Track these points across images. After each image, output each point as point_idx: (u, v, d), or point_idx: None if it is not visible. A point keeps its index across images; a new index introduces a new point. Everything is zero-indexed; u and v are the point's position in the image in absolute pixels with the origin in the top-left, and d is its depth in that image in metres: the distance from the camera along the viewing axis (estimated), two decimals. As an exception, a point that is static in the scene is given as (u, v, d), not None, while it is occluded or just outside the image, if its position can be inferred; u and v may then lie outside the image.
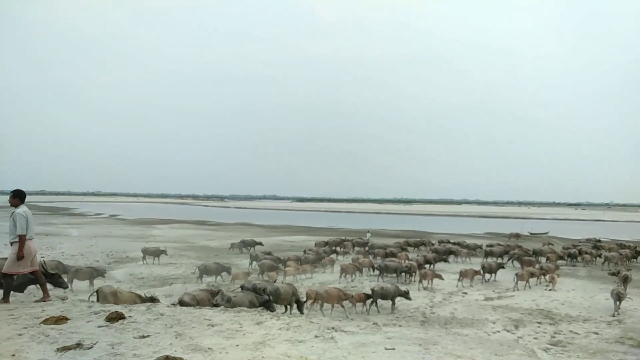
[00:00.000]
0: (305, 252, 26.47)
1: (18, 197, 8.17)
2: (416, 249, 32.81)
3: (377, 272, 21.72)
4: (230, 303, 10.19)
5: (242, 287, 12.74)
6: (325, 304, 14.17)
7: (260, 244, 31.09)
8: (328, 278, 21.18)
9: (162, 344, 5.52)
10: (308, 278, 21.06)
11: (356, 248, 30.90)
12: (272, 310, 10.94)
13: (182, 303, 10.35)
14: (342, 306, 14.48)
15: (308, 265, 22.27)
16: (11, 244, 8.06)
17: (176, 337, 5.87)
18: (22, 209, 7.97)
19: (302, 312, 13.36)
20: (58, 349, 5.07)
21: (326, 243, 32.30)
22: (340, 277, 20.98)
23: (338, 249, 30.88)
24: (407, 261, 22.77)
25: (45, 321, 6.17)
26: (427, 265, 23.33)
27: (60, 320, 6.24)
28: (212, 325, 6.61)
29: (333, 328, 6.98)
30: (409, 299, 15.91)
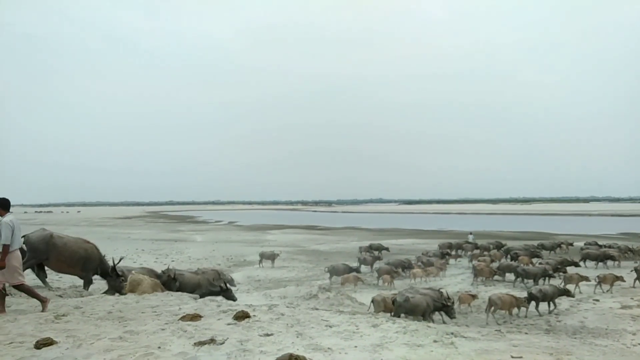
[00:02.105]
0: (422, 254, 25.96)
1: (2, 206, 7.54)
2: (552, 252, 29.97)
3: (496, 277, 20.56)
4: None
5: None
6: (495, 310, 14.11)
7: (387, 249, 30.72)
8: (448, 282, 20.51)
9: (285, 343, 5.79)
10: (433, 280, 20.70)
11: (492, 251, 28.89)
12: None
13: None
14: (510, 313, 14.22)
15: (434, 268, 21.88)
16: None
17: (297, 337, 6.12)
18: (8, 218, 7.37)
19: (451, 317, 13.13)
20: (195, 344, 5.57)
21: (450, 245, 31.32)
22: (475, 280, 20.38)
23: (455, 252, 29.77)
24: (530, 265, 21.20)
25: (183, 318, 6.83)
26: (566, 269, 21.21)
27: (195, 317, 6.86)
28: (330, 326, 6.78)
29: (452, 333, 6.73)
30: (572, 295, 15.31)
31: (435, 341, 6.20)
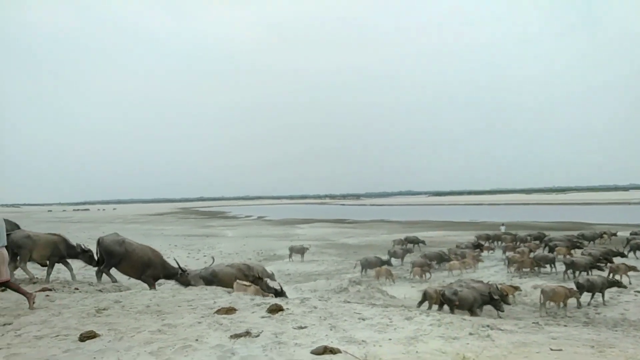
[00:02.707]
0: (457, 246, 25.65)
1: None
2: (592, 242, 28.70)
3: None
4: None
5: None
6: (546, 302, 13.97)
7: (423, 242, 30.46)
8: (481, 274, 20.22)
9: (319, 335, 5.83)
10: (470, 272, 20.49)
11: (534, 242, 28.07)
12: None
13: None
14: (564, 305, 13.98)
15: (470, 260, 21.67)
16: None
17: (331, 329, 6.15)
18: None
19: (500, 311, 12.96)
20: (231, 336, 5.67)
21: (488, 236, 30.79)
22: (509, 270, 20.14)
23: (489, 243, 29.26)
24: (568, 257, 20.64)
25: (218, 311, 6.96)
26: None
27: (230, 310, 6.98)
28: (363, 319, 6.78)
29: (488, 326, 6.63)
30: (624, 286, 15.03)
31: (471, 334, 6.12)
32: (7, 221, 11.75)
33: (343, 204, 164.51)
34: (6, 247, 11.18)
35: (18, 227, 11.77)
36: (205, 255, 27.32)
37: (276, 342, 5.48)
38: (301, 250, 26.70)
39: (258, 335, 5.73)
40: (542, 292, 13.89)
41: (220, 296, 8.73)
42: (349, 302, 10.49)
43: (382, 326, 6.42)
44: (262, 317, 6.79)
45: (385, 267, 20.17)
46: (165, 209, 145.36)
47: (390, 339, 5.75)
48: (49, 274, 11.63)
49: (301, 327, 6.19)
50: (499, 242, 29.76)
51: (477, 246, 26.11)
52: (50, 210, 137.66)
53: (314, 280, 19.69)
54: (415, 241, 30.40)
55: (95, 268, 12.17)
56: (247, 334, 5.77)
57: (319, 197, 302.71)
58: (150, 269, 10.84)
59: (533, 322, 7.90)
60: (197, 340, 5.54)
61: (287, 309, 7.29)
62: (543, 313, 13.58)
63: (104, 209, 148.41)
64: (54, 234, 12.11)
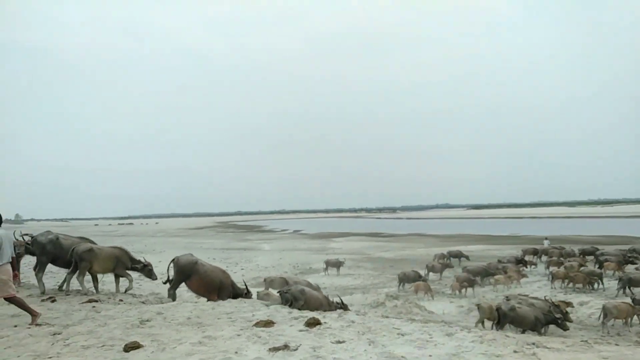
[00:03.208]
0: (498, 261, 24.85)
1: None
2: None
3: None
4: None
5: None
6: (609, 319, 13.23)
7: (467, 257, 29.35)
8: (524, 289, 19.51)
9: (357, 350, 5.78)
10: (514, 288, 19.87)
11: (583, 256, 26.80)
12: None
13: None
14: (627, 322, 13.22)
15: (516, 274, 21.02)
16: None
17: (369, 344, 6.08)
18: None
19: (564, 329, 12.37)
20: (270, 349, 5.70)
21: (536, 251, 29.62)
22: (552, 286, 19.43)
23: (532, 258, 28.19)
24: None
25: (257, 324, 7.03)
26: None
27: (268, 324, 7.03)
28: (402, 334, 6.67)
29: (534, 344, 6.38)
30: None
31: (515, 351, 5.91)
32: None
33: (379, 217, 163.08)
34: (56, 259, 11.81)
35: (93, 242, 12.47)
36: (242, 269, 27.63)
37: (314, 356, 5.47)
38: (337, 264, 26.54)
39: (296, 349, 5.74)
40: (605, 308, 13.11)
41: (258, 309, 8.80)
42: (387, 316, 10.35)
43: (422, 342, 6.29)
44: (300, 330, 6.80)
45: (425, 282, 19.78)
46: (204, 223, 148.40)
47: (430, 356, 5.63)
48: (116, 284, 12.31)
49: (339, 342, 6.15)
50: (542, 257, 28.62)
51: (520, 261, 25.20)
52: (97, 224, 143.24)
53: (350, 294, 19.52)
54: (459, 255, 29.36)
55: (154, 281, 12.68)
56: (286, 347, 5.79)
57: (355, 210, 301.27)
58: (222, 290, 11.18)
59: (582, 341, 7.54)
60: (236, 352, 5.60)
61: (325, 322, 7.27)
62: (605, 332, 12.88)
63: (147, 223, 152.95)
64: (116, 247, 12.66)
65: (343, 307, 11.08)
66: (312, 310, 9.30)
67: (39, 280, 11.36)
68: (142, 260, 12.69)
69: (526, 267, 24.63)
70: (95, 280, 12.04)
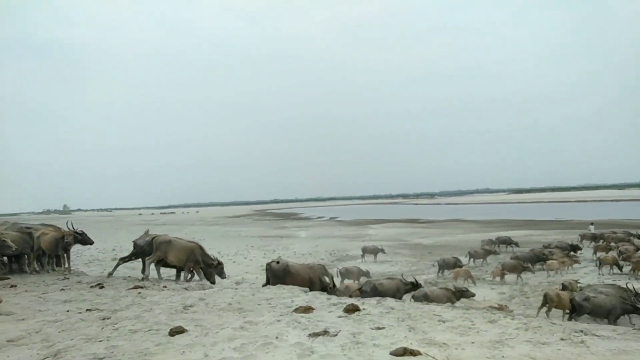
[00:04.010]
0: (544, 247, 24.04)
1: None
2: None
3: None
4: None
5: None
6: None
7: (516, 243, 28.18)
8: (572, 276, 18.85)
9: (398, 336, 5.73)
10: (571, 273, 19.32)
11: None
12: None
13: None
14: None
15: (569, 259, 20.38)
16: None
17: (409, 331, 6.02)
18: None
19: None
20: (310, 335, 5.75)
21: (594, 237, 28.33)
22: (600, 272, 18.75)
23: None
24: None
25: (296, 310, 7.10)
26: None
27: (308, 309, 7.09)
28: (443, 321, 6.56)
29: (582, 331, 6.14)
30: None
31: (562, 339, 5.70)
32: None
33: (416, 204, 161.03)
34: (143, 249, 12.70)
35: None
36: (280, 256, 27.99)
37: (354, 342, 5.46)
38: (374, 251, 26.41)
39: (336, 335, 5.75)
40: None
41: (297, 295, 8.89)
42: (427, 303, 10.21)
43: (464, 329, 6.17)
44: (339, 316, 6.81)
45: (465, 268, 19.40)
46: (242, 211, 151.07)
47: (473, 342, 5.51)
48: (185, 277, 13.00)
49: (379, 328, 6.12)
50: (592, 242, 27.43)
51: (574, 247, 24.15)
52: (141, 214, 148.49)
53: (388, 281, 19.43)
54: (508, 242, 28.26)
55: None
56: (325, 332, 5.81)
57: (391, 196, 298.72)
58: (312, 285, 11.66)
59: (634, 329, 7.20)
60: (277, 337, 5.68)
61: (364, 309, 7.26)
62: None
63: (187, 212, 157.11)
64: (192, 242, 13.43)
65: (417, 285, 12.47)
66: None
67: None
68: (217, 258, 13.30)
69: (576, 253, 23.78)
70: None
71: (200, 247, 12.97)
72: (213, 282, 12.69)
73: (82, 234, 13.88)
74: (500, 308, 11.15)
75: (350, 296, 10.78)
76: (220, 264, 13.05)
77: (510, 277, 19.06)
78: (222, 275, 13.11)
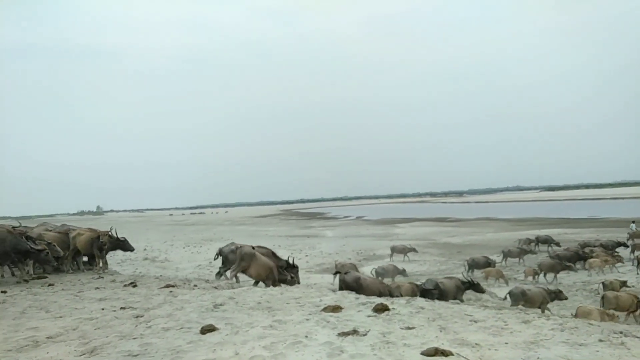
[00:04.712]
0: (579, 245, 23.26)
1: None
2: None
3: None
4: None
5: None
6: None
7: (557, 243, 27.03)
8: (611, 276, 18.24)
9: (428, 336, 5.65)
10: (607, 272, 18.77)
11: None
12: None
13: None
14: None
15: (612, 258, 19.80)
16: None
17: (440, 331, 5.93)
18: None
19: None
20: (339, 334, 5.73)
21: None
22: (638, 269, 18.12)
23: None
24: None
25: (325, 309, 7.09)
26: None
27: (336, 309, 7.07)
28: (475, 321, 6.44)
29: (621, 332, 5.91)
30: None
31: (600, 340, 5.51)
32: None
33: (444, 202, 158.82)
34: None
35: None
36: (307, 255, 28.06)
37: (384, 342, 5.41)
38: (404, 250, 26.13)
39: (365, 334, 5.72)
40: None
41: (325, 294, 8.88)
42: (458, 302, 10.05)
43: (497, 329, 6.04)
44: (368, 316, 6.77)
45: (496, 267, 19.02)
46: (268, 211, 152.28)
47: (506, 343, 5.39)
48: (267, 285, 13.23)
49: (409, 328, 6.05)
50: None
51: (620, 244, 23.28)
52: (172, 214, 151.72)
53: (416, 281, 19.22)
54: (548, 241, 27.22)
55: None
56: (355, 332, 5.78)
57: (419, 195, 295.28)
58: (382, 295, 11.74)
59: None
60: (306, 336, 5.68)
61: (393, 308, 7.19)
62: None
63: (217, 212, 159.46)
64: (262, 247, 13.68)
65: (474, 285, 12.72)
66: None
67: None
68: (292, 262, 13.36)
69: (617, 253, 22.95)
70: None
71: (273, 252, 13.21)
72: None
73: (124, 241, 14.28)
74: (612, 317, 10.36)
75: (400, 295, 10.68)
76: (295, 267, 13.08)
77: (542, 277, 18.59)
78: (293, 283, 13.13)
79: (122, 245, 14.23)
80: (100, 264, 14.09)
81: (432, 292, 11.33)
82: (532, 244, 26.70)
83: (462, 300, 11.69)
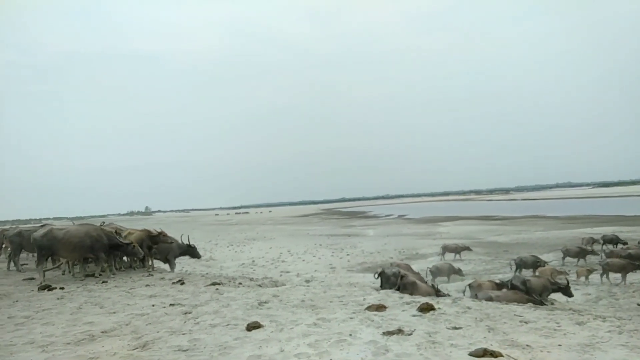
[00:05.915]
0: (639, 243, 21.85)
1: None
2: None
3: None
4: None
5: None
6: None
7: (625, 242, 24.85)
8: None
9: (476, 337, 5.50)
10: None
11: None
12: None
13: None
14: None
15: None
16: None
17: (489, 331, 5.76)
18: None
19: None
20: (384, 333, 5.68)
21: None
22: None
23: None
24: None
25: (369, 308, 7.05)
26: None
27: (380, 308, 7.02)
28: (525, 322, 6.21)
29: (687, 336, 5.55)
30: None
31: (663, 344, 5.19)
32: None
33: (490, 200, 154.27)
34: None
35: None
36: (348, 254, 27.98)
37: (430, 342, 5.32)
38: (456, 249, 25.39)
39: (411, 334, 5.64)
40: None
41: (369, 293, 8.85)
42: (506, 303, 9.73)
43: (549, 330, 5.81)
44: (413, 315, 6.68)
45: (549, 267, 18.22)
46: (310, 210, 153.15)
47: (559, 345, 5.17)
48: None
49: (456, 328, 5.92)
50: None
51: None
52: (217, 214, 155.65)
53: (461, 281, 18.77)
54: (615, 241, 25.22)
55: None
56: (400, 331, 5.72)
57: (463, 193, 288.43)
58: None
59: None
60: (350, 335, 5.67)
61: (439, 308, 7.05)
62: None
63: (261, 212, 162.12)
64: (403, 263, 13.99)
65: (565, 288, 12.30)
66: None
67: None
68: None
69: None
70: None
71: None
72: None
73: (193, 248, 14.87)
74: None
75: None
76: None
77: (595, 277, 17.66)
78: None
79: (192, 251, 14.78)
80: (150, 262, 14.64)
81: (519, 288, 11.16)
82: (595, 244, 25.14)
83: (546, 301, 11.24)
